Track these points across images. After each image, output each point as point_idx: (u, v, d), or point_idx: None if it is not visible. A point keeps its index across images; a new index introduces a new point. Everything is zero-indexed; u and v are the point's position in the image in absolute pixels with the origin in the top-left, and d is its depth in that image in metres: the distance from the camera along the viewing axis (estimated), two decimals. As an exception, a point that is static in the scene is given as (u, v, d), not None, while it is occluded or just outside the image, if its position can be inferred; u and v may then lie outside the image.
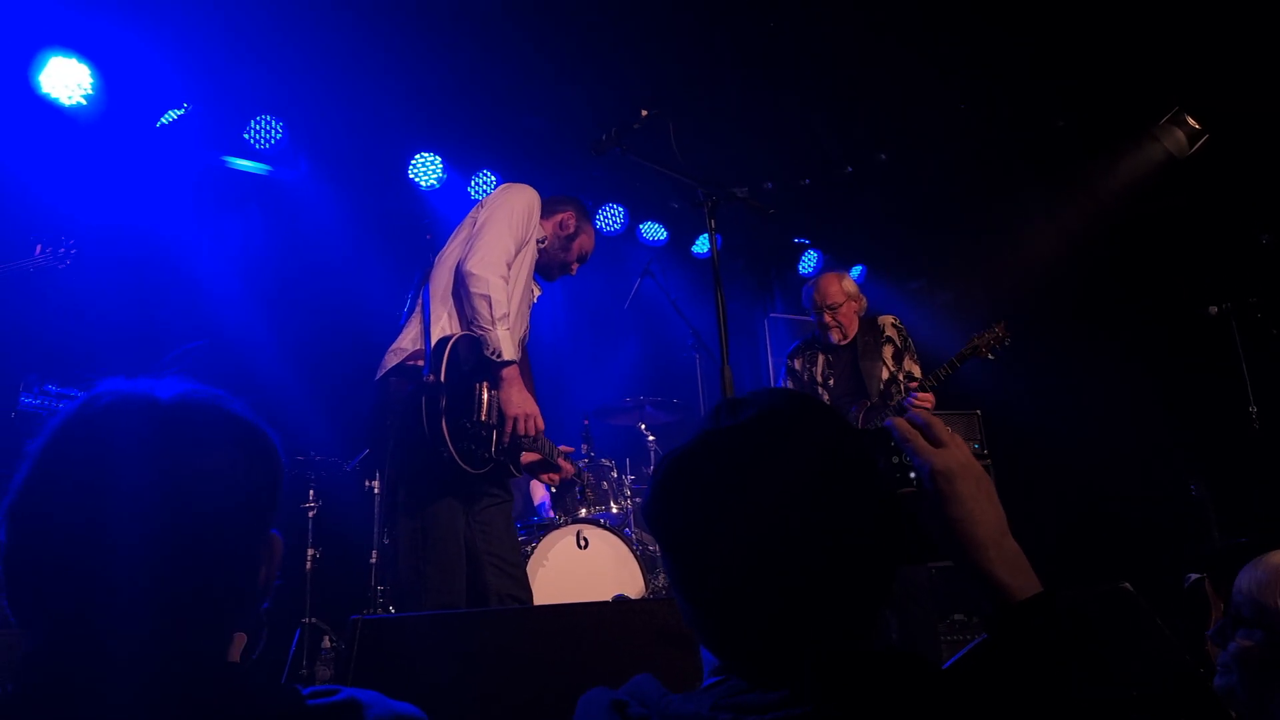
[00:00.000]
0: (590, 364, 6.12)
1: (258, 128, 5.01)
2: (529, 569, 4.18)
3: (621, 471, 5.15)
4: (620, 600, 4.22)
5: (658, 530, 0.98)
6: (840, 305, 4.45)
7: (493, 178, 5.69)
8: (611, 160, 3.63)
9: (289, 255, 5.45)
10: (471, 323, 3.10)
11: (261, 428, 1.00)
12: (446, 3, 4.53)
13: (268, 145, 5.07)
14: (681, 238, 6.51)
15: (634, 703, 0.95)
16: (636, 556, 4.49)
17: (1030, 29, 4.86)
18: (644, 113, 3.38)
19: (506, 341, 3.07)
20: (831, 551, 0.90)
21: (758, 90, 5.40)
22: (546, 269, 3.53)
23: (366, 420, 3.25)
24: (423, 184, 5.52)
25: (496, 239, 3.15)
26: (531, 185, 3.43)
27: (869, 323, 4.53)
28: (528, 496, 5.69)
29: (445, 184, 5.57)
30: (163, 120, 4.78)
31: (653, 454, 5.33)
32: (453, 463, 2.90)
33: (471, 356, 3.06)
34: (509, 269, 3.17)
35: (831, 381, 4.51)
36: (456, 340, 3.04)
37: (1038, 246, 6.26)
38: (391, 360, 3.17)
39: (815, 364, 4.57)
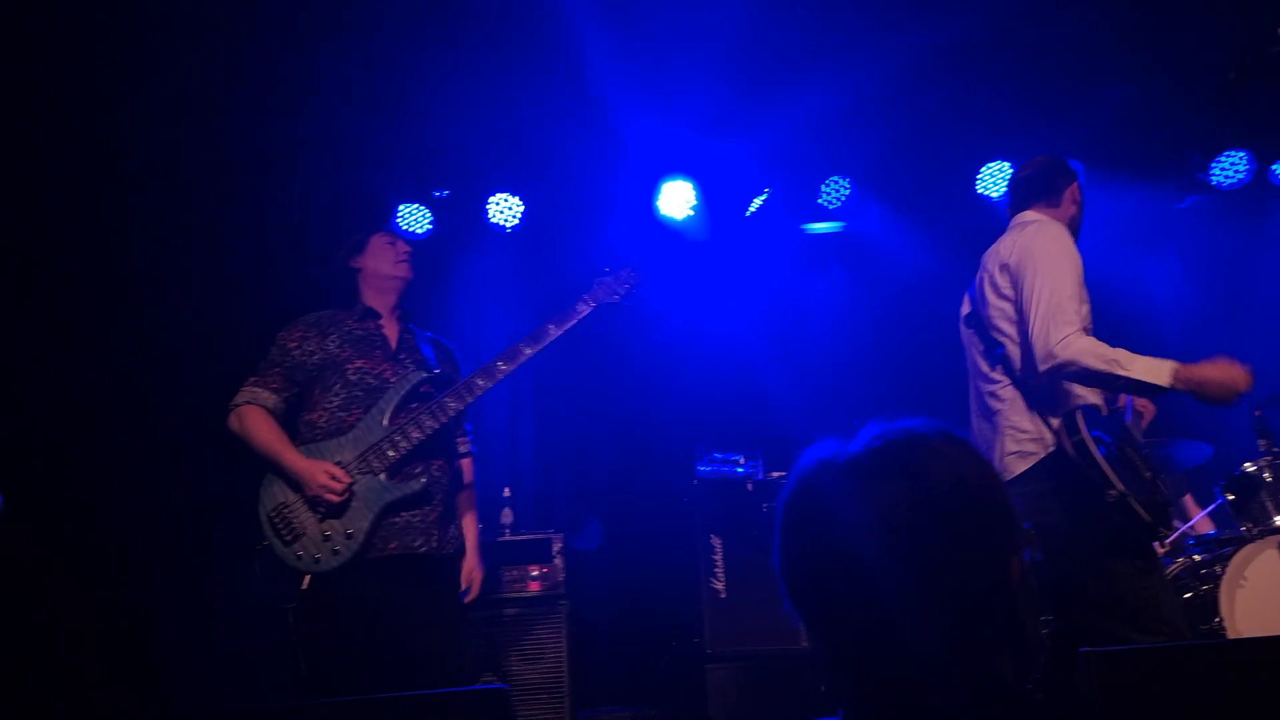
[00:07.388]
0: (1240, 342, 5.13)
1: (829, 190, 5.39)
2: (1223, 589, 3.60)
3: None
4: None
5: None
6: None
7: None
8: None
9: (873, 300, 5.68)
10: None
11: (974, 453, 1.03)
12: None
13: (838, 204, 5.41)
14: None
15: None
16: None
17: None
18: None
19: (1144, 367, 2.59)
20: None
21: None
22: None
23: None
24: (993, 195, 5.34)
25: (1056, 292, 2.71)
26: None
27: None
28: (1183, 515, 4.95)
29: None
30: (750, 209, 5.43)
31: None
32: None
33: None
34: (1078, 303, 2.73)
35: None
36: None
37: None
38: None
39: None
